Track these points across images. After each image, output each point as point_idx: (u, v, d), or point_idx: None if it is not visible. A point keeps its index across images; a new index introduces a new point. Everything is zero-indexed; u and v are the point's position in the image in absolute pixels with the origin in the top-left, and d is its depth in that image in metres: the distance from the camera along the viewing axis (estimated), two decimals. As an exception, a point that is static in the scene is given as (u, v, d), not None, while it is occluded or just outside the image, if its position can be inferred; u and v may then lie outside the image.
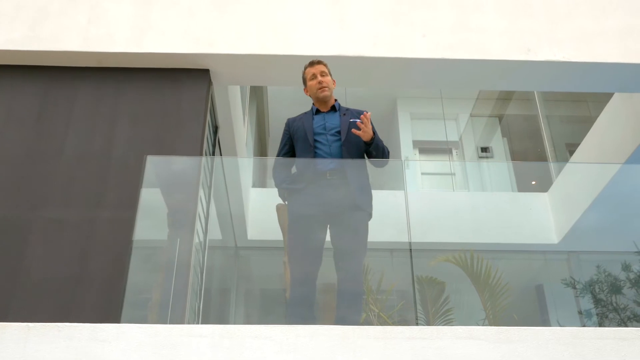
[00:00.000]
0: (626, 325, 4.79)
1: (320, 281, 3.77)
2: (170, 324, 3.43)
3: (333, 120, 4.03)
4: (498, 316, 4.88)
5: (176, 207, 4.16)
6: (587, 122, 8.16)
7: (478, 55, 5.22)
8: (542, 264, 6.50)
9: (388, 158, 4.02)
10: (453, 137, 10.86)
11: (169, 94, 5.08)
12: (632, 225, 4.87)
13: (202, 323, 4.18)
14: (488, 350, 2.88)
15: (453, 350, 2.90)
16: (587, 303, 5.08)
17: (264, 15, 5.35)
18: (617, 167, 5.95)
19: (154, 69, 5.18)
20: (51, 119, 4.93)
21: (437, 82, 6.19)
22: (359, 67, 5.32)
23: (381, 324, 4.34)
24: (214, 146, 5.90)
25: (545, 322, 5.69)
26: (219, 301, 5.95)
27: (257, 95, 9.82)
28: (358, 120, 3.97)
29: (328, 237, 3.84)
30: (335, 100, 4.15)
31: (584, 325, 5.13)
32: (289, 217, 3.97)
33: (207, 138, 5.25)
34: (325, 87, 4.05)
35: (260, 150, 10.75)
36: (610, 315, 4.88)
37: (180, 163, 4.36)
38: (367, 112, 3.88)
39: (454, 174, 10.29)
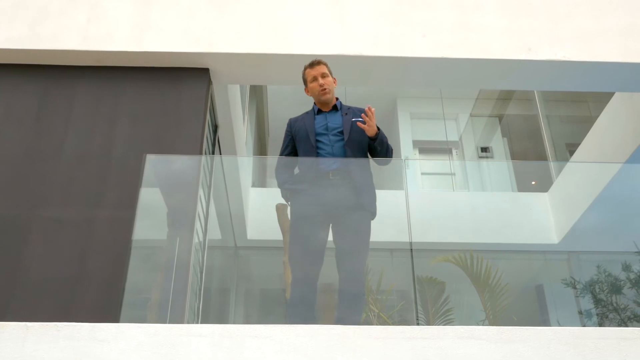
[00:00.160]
0: (626, 326, 4.78)
1: (319, 281, 3.76)
2: (169, 323, 3.41)
3: (335, 120, 4.01)
4: (498, 316, 4.87)
5: (176, 207, 4.15)
6: (587, 122, 8.16)
7: (478, 55, 5.21)
8: (542, 264, 6.50)
9: (391, 156, 4.00)
10: (453, 137, 10.86)
11: (168, 93, 5.07)
12: (632, 225, 4.87)
13: (201, 323, 4.16)
14: (489, 350, 2.87)
15: (454, 350, 2.89)
16: (587, 303, 5.08)
17: (264, 14, 5.34)
18: (618, 167, 5.94)
19: (153, 68, 5.17)
20: (50, 118, 4.92)
21: (437, 81, 6.18)
22: (359, 67, 5.31)
23: (381, 324, 4.33)
24: (213, 145, 5.89)
25: (545, 322, 5.69)
26: (218, 301, 5.95)
27: (256, 94, 9.81)
28: (360, 119, 3.96)
29: (329, 237, 3.82)
30: (337, 99, 4.13)
31: (584, 326, 5.13)
32: (291, 218, 3.95)
33: (206, 137, 5.24)
34: (326, 89, 4.02)
35: (260, 150, 10.74)
36: (611, 316, 4.87)
37: (179, 162, 4.35)
38: (371, 107, 3.86)
39: (454, 174, 10.29)
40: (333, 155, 3.91)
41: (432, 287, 4.96)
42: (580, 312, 5.26)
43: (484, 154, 10.71)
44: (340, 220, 3.82)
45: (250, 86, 8.73)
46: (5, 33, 5.11)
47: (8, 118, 4.92)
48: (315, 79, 4.04)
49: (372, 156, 3.98)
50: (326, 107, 4.07)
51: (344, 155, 3.88)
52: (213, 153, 5.86)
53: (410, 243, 3.63)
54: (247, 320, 6.31)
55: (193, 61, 5.16)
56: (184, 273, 3.81)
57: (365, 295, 3.85)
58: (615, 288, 4.89)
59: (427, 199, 8.19)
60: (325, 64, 4.09)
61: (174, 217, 4.10)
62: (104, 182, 4.65)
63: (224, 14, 5.33)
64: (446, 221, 6.09)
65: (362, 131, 3.87)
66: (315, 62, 4.08)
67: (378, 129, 3.88)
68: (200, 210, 4.24)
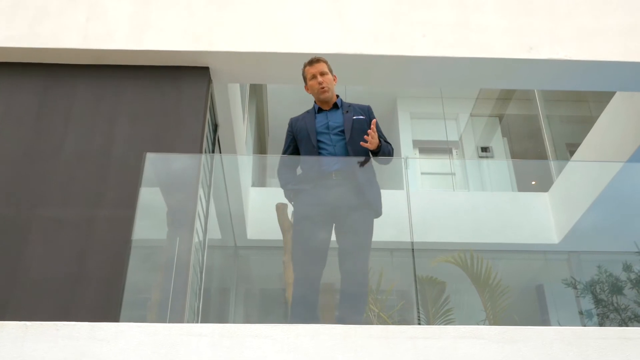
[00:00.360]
0: (627, 326, 4.77)
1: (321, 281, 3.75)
2: (169, 323, 3.39)
3: (336, 119, 3.99)
4: (498, 316, 4.86)
5: (176, 206, 4.13)
6: (587, 122, 8.15)
7: (479, 54, 5.20)
8: (542, 264, 6.48)
9: (392, 155, 3.99)
10: (453, 136, 10.85)
11: (168, 92, 5.05)
12: (633, 225, 4.85)
13: (201, 323, 4.15)
14: (491, 350, 2.85)
15: (455, 350, 2.87)
16: (587, 303, 5.07)
17: (264, 13, 5.33)
18: (618, 167, 5.92)
19: (153, 66, 5.16)
20: (50, 117, 4.91)
21: (438, 80, 6.17)
22: (359, 65, 5.30)
23: (381, 324, 4.32)
24: (213, 145, 5.87)
25: (545, 322, 5.68)
26: (218, 301, 5.94)
27: (256, 94, 9.80)
28: (361, 117, 3.94)
29: (332, 237, 3.81)
30: (337, 96, 4.11)
31: (584, 326, 5.11)
32: (294, 218, 3.94)
33: (206, 136, 5.23)
34: (325, 88, 4.00)
35: (260, 149, 10.73)
36: (611, 316, 4.86)
37: (179, 161, 4.34)
38: (373, 119, 3.84)
39: (454, 174, 10.28)
40: (335, 154, 3.89)
41: (433, 287, 4.94)
42: (580, 313, 5.24)
43: (484, 153, 10.70)
44: (344, 220, 3.80)
45: (250, 86, 8.72)
46: (5, 31, 5.09)
47: (7, 117, 4.90)
48: (314, 77, 4.02)
49: (373, 156, 3.96)
50: (326, 106, 4.05)
51: (346, 154, 3.87)
52: (213, 152, 5.85)
53: (412, 243, 3.62)
54: (247, 320, 6.31)
55: (193, 60, 5.15)
56: (184, 273, 3.80)
57: (367, 295, 3.83)
58: (616, 288, 4.87)
59: (427, 198, 8.17)
60: (325, 62, 4.07)
61: (174, 216, 4.08)
62: (103, 182, 4.64)
63: (224, 12, 5.31)
64: (446, 221, 6.07)
65: (364, 129, 3.85)
66: (314, 60, 4.05)
67: (380, 139, 3.85)
68: (200, 209, 4.22)
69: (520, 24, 5.35)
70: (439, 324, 4.78)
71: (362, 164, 3.89)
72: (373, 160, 3.91)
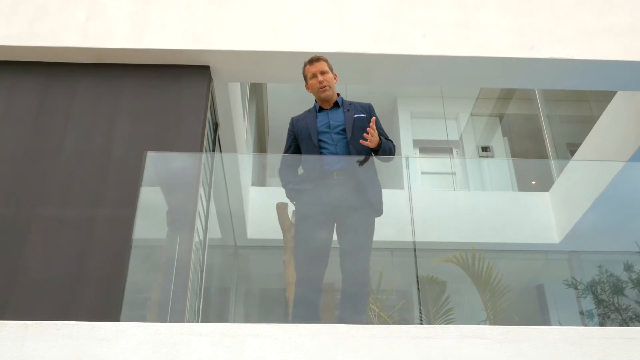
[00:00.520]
0: (628, 326, 4.76)
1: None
2: (170, 322, 3.38)
3: (337, 118, 3.96)
4: (499, 316, 4.85)
5: (176, 205, 4.12)
6: (588, 122, 8.14)
7: (480, 53, 5.19)
8: (543, 264, 6.48)
9: (394, 153, 3.97)
10: (453, 136, 10.84)
11: (168, 91, 5.04)
12: (634, 225, 4.85)
13: (201, 322, 4.14)
14: (494, 349, 2.84)
15: (458, 350, 2.86)
16: (588, 303, 5.06)
17: (264, 12, 5.32)
18: (619, 167, 5.92)
19: (153, 65, 5.14)
20: (50, 115, 4.89)
21: (438, 79, 6.15)
22: (359, 64, 5.29)
23: (381, 324, 4.31)
24: (214, 144, 5.86)
25: (546, 322, 5.68)
26: (218, 301, 5.93)
27: (256, 93, 9.79)
28: (362, 115, 3.92)
29: (333, 237, 3.79)
30: (338, 94, 4.09)
31: (585, 326, 5.11)
32: (296, 218, 3.92)
33: (207, 136, 5.22)
34: (325, 86, 3.98)
35: (260, 149, 10.72)
36: (612, 316, 4.85)
37: (180, 160, 4.32)
38: (373, 117, 3.82)
39: (455, 174, 10.27)
40: (336, 153, 3.87)
41: (433, 286, 4.94)
42: (581, 313, 5.24)
43: (484, 153, 10.70)
44: (345, 220, 3.79)
45: (250, 85, 8.71)
46: (5, 30, 5.08)
47: (7, 116, 4.89)
48: (314, 76, 4.00)
49: (374, 154, 3.95)
50: (327, 104, 4.03)
51: (348, 153, 3.85)
52: (213, 151, 5.83)
53: (414, 243, 3.61)
54: (247, 320, 6.30)
55: (193, 59, 5.13)
56: (184, 272, 3.79)
57: (368, 295, 3.81)
58: (617, 288, 4.87)
59: (427, 198, 8.16)
60: (326, 60, 4.04)
61: (174, 215, 4.07)
62: (103, 181, 4.63)
63: (224, 11, 5.31)
64: (446, 221, 6.07)
65: (365, 127, 3.83)
66: (314, 59, 4.03)
67: (380, 137, 3.83)
68: (200, 208, 4.21)
69: (521, 23, 5.34)
70: (440, 324, 4.77)
71: (363, 162, 3.87)
72: (375, 159, 3.90)
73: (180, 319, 3.57)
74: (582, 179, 7.43)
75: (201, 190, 4.21)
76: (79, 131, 4.83)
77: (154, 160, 3.98)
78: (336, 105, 4.03)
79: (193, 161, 4.34)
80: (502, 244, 5.77)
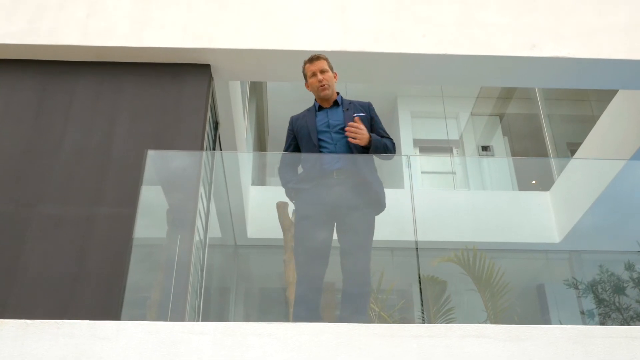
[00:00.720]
0: (629, 325, 4.75)
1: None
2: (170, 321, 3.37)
3: (336, 117, 3.95)
4: (499, 316, 4.85)
5: (176, 204, 4.11)
6: (588, 122, 8.14)
7: (482, 51, 5.18)
8: (543, 263, 6.48)
9: (394, 151, 3.95)
10: (454, 135, 10.84)
11: (169, 89, 5.03)
12: (634, 224, 4.83)
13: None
14: (497, 348, 2.83)
15: (460, 349, 2.84)
16: (588, 303, 5.05)
17: (265, 10, 5.31)
18: (620, 166, 5.91)
19: (154, 63, 5.13)
20: (49, 114, 4.88)
21: (439, 78, 6.14)
22: (360, 63, 5.27)
23: (381, 324, 4.30)
24: (214, 143, 5.85)
25: (546, 321, 5.68)
26: (218, 300, 5.92)
27: (256, 93, 9.78)
28: (362, 114, 3.91)
29: (334, 237, 3.78)
30: (338, 93, 4.07)
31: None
32: (296, 217, 3.91)
33: (207, 134, 5.20)
34: (325, 85, 3.97)
35: (260, 148, 10.72)
36: (613, 315, 4.85)
37: (180, 158, 4.30)
38: (356, 118, 3.79)
39: (455, 173, 10.26)
40: (336, 153, 3.86)
41: (434, 286, 4.93)
42: (582, 312, 5.23)
43: (484, 152, 10.70)
44: (346, 219, 3.77)
45: (250, 85, 8.70)
46: (4, 28, 5.06)
47: (6, 114, 4.87)
48: (314, 74, 3.99)
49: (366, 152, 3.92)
50: (327, 103, 4.01)
51: (347, 152, 3.83)
52: (214, 150, 5.82)
53: (416, 242, 3.59)
54: (247, 320, 6.27)
55: (194, 57, 5.12)
56: (184, 272, 3.78)
57: (369, 295, 3.80)
58: (618, 288, 4.86)
59: (427, 197, 8.15)
60: (326, 59, 4.03)
61: (174, 215, 4.06)
62: (103, 179, 4.61)
63: (225, 9, 5.30)
64: (447, 220, 6.07)
65: (364, 126, 3.82)
66: (314, 57, 4.02)
67: (371, 133, 3.80)
68: (200, 208, 4.19)
69: (523, 21, 5.33)
70: (440, 324, 4.76)
71: (363, 161, 3.85)
72: (374, 158, 3.88)
73: (181, 319, 3.56)
74: (583, 178, 7.43)
75: (201, 189, 4.19)
76: (79, 129, 4.81)
77: (154, 159, 3.96)
78: (336, 104, 4.02)
79: (193, 160, 4.32)
80: (502, 243, 5.76)
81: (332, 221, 3.78)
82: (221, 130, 6.07)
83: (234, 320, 5.99)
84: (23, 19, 5.12)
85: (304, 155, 3.98)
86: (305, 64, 4.06)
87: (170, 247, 3.92)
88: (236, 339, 2.93)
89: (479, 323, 4.53)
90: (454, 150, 10.98)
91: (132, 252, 3.60)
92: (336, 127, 3.91)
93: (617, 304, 4.84)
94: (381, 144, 3.85)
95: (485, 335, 2.87)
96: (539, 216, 7.73)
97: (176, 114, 4.92)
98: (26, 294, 4.15)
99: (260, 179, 8.62)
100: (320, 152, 3.87)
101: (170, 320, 3.49)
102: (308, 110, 4.08)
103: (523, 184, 9.66)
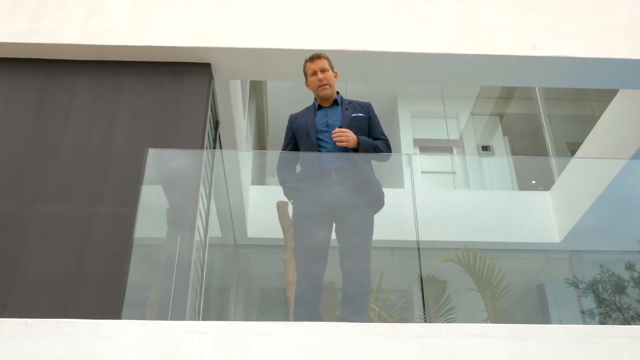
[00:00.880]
0: (629, 325, 4.75)
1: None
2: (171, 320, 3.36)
3: (335, 117, 3.95)
4: (499, 316, 4.84)
5: (177, 204, 4.10)
6: (589, 122, 8.14)
7: (482, 51, 5.18)
8: (543, 263, 6.47)
9: (389, 151, 3.94)
10: (454, 135, 10.84)
11: (169, 88, 5.02)
12: (635, 224, 4.83)
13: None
14: (499, 348, 2.82)
15: (462, 349, 2.84)
16: (589, 303, 5.05)
17: (265, 9, 5.31)
18: (620, 166, 5.90)
19: (154, 62, 5.12)
20: (49, 113, 4.87)
21: (440, 77, 6.14)
22: (360, 62, 5.27)
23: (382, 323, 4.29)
24: (214, 142, 5.84)
25: (546, 321, 5.66)
26: (218, 300, 5.91)
27: (256, 92, 9.77)
28: (360, 114, 3.91)
29: (332, 236, 3.77)
30: (338, 93, 4.07)
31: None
32: (294, 217, 3.90)
33: (207, 133, 5.19)
34: (325, 84, 3.96)
35: (260, 148, 10.71)
36: (614, 315, 4.84)
37: (181, 157, 4.29)
38: (336, 129, 3.78)
39: (455, 173, 10.25)
40: (335, 152, 3.85)
41: (434, 286, 4.92)
42: (582, 312, 5.22)
43: (484, 152, 10.70)
44: (344, 219, 3.76)
45: (250, 84, 8.69)
46: (4, 27, 5.06)
47: (6, 113, 4.87)
48: (314, 73, 3.99)
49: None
50: (326, 103, 4.01)
51: (347, 152, 3.83)
52: (214, 149, 5.81)
53: (418, 242, 3.58)
54: (247, 319, 6.26)
55: (194, 56, 5.11)
56: (184, 271, 3.77)
57: (369, 295, 3.79)
58: (619, 287, 4.85)
59: (427, 197, 8.14)
60: (326, 58, 4.03)
61: (175, 214, 4.05)
62: (103, 179, 4.60)
63: (225, 8, 5.29)
64: (447, 220, 6.06)
65: (363, 127, 3.84)
66: (315, 56, 4.02)
67: (359, 134, 3.80)
68: (201, 207, 4.19)
69: (524, 21, 5.32)
70: (440, 323, 4.75)
71: (361, 160, 3.85)
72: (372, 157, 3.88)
73: (181, 318, 3.55)
74: (583, 178, 7.42)
75: (201, 189, 4.18)
76: (79, 129, 4.81)
77: (155, 157, 3.95)
78: (335, 103, 4.02)
79: (194, 159, 4.31)
80: (502, 243, 5.75)
81: (330, 221, 3.78)
82: (221, 129, 6.07)
83: (234, 320, 6.00)
84: (23, 19, 5.11)
85: (302, 154, 3.97)
86: (306, 62, 4.06)
87: (171, 246, 3.91)
88: (237, 338, 2.92)
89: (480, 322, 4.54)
90: (454, 150, 10.97)
91: (133, 252, 3.59)
92: (334, 126, 3.90)
93: (618, 304, 4.83)
94: (371, 145, 3.84)
95: (487, 334, 2.86)
96: (539, 216, 7.73)
97: (176, 113, 4.91)
98: (26, 294, 4.15)
99: (260, 179, 8.61)
100: (319, 151, 3.86)
101: (171, 319, 3.48)
102: (307, 109, 4.08)
103: (523, 184, 9.65)
